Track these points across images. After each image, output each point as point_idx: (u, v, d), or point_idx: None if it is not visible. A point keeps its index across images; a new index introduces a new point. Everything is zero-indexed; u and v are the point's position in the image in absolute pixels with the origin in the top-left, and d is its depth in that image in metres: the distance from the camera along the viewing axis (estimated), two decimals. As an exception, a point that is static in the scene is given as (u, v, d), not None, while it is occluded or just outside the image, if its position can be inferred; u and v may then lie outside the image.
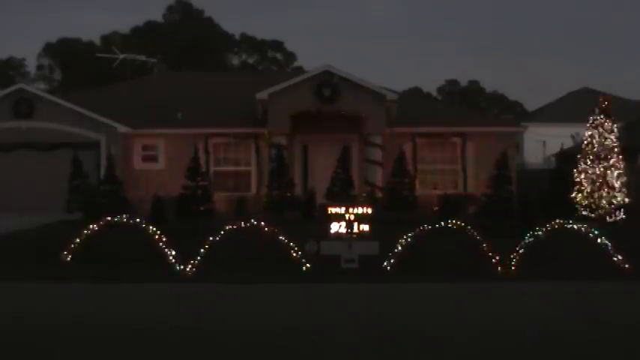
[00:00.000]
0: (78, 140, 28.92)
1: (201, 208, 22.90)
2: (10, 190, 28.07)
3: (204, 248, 16.70)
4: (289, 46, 71.97)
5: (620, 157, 24.82)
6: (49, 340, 10.33)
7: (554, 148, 39.67)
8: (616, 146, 24.78)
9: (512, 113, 73.66)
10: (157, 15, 79.33)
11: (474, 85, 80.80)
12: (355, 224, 17.09)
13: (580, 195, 24.64)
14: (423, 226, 17.44)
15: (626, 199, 24.46)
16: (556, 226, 17.62)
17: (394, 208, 23.57)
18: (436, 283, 15.72)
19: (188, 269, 16.39)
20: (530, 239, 17.37)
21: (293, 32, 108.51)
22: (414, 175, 26.61)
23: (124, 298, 14.08)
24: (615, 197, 24.33)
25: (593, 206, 24.31)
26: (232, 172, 29.94)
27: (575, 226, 17.82)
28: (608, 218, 23.75)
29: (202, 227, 20.17)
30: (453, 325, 11.36)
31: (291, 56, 71.82)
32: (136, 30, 67.86)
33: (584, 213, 24.11)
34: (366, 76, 29.18)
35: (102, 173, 26.47)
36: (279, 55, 72.03)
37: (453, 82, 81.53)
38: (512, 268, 16.87)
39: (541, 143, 44.90)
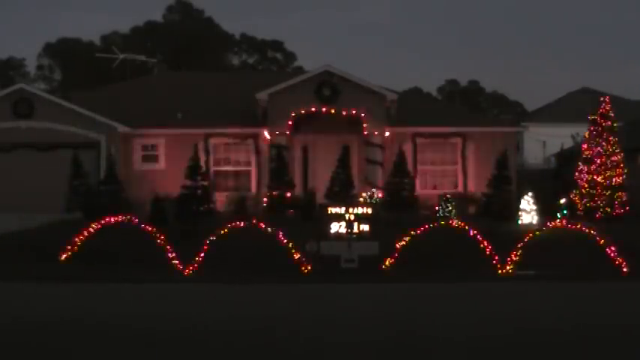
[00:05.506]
0: (78, 140, 28.83)
1: (201, 208, 22.93)
2: (10, 190, 28.02)
3: (204, 248, 16.70)
4: (289, 46, 71.81)
5: (620, 157, 24.82)
6: (48, 339, 10.33)
7: (554, 148, 39.62)
8: (616, 146, 24.78)
9: (512, 113, 73.55)
10: (156, 15, 79.15)
11: (473, 85, 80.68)
12: (355, 224, 17.10)
13: (580, 195, 24.63)
14: (423, 226, 17.44)
15: (626, 199, 24.45)
16: (556, 226, 17.62)
17: (394, 208, 23.55)
18: (436, 283, 15.73)
19: (188, 269, 16.38)
20: (530, 239, 17.37)
21: (293, 32, 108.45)
22: (414, 175, 26.60)
23: (123, 298, 14.07)
24: (615, 197, 24.32)
25: (593, 206, 24.30)
26: (232, 172, 29.89)
27: (575, 226, 17.83)
28: (607, 218, 23.73)
29: (202, 227, 20.14)
30: (453, 325, 11.36)
31: (291, 56, 71.74)
32: (136, 30, 67.76)
33: (583, 213, 24.09)
34: (366, 76, 29.17)
35: (102, 173, 26.45)
36: (279, 55, 71.95)
37: (453, 82, 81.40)
38: (512, 268, 16.88)
39: (541, 143, 44.85)
